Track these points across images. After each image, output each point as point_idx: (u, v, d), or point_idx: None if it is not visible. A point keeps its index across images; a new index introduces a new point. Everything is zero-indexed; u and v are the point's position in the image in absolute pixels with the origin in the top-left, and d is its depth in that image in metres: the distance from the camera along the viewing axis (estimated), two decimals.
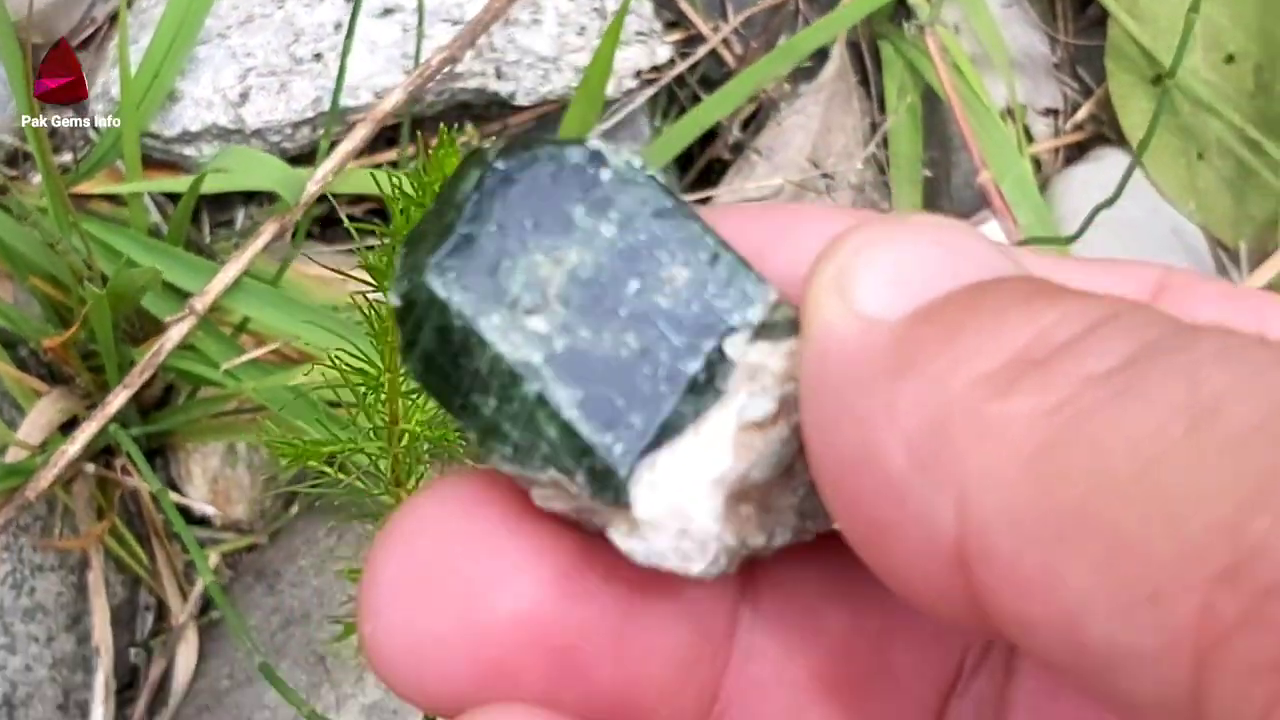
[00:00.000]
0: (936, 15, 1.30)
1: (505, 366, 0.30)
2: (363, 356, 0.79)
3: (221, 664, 1.23)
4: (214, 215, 1.32)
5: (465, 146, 1.28)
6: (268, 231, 1.15)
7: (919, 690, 0.34)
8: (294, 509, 1.29)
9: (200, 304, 1.12)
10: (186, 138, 1.24)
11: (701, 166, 1.36)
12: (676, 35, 1.36)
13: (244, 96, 1.24)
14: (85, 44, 1.31)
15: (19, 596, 1.18)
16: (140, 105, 1.20)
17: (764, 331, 0.31)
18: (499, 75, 1.27)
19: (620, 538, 0.30)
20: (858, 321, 0.28)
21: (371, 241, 1.17)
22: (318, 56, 1.25)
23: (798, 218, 0.34)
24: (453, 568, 0.31)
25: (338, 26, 1.25)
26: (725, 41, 1.36)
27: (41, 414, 1.16)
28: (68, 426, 1.17)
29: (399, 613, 0.31)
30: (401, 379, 0.79)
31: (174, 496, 1.20)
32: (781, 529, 0.32)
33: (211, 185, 1.18)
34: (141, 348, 1.14)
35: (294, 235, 1.22)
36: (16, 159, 1.25)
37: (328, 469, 0.88)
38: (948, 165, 1.35)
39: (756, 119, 1.36)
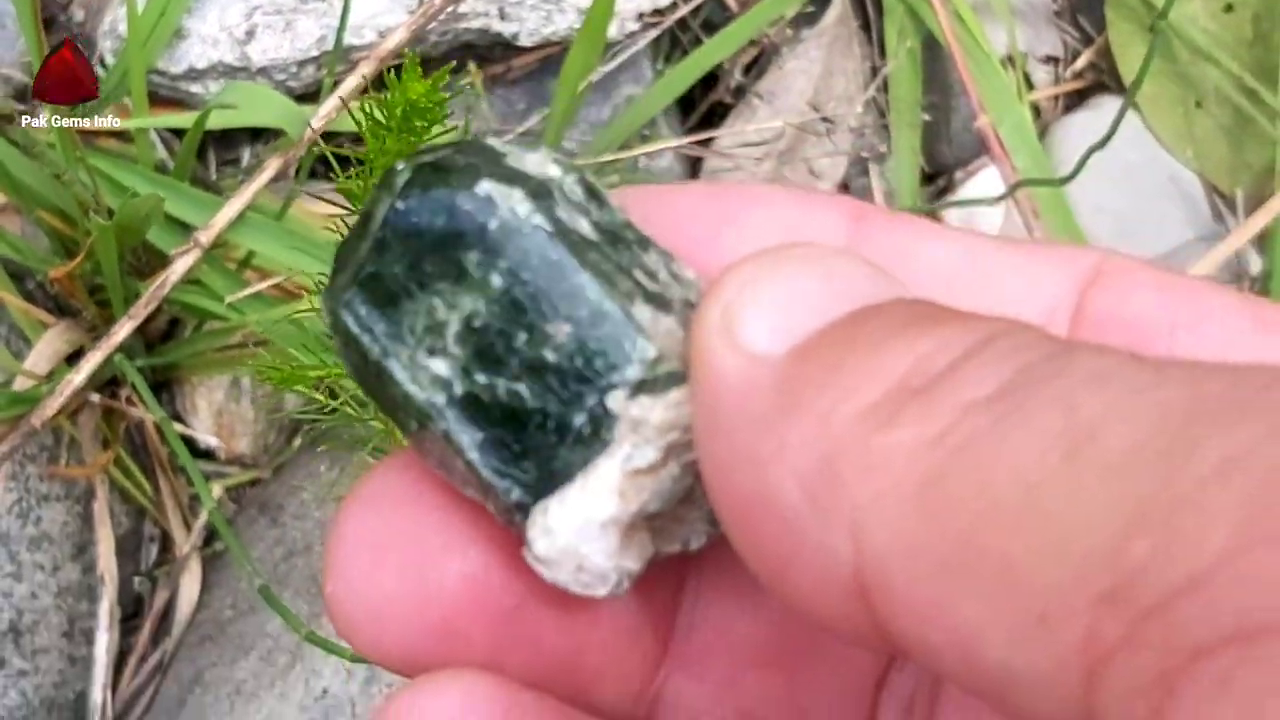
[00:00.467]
0: None
1: (415, 405, 0.32)
2: None
3: (224, 594, 1.25)
4: (220, 153, 1.33)
5: (468, 87, 1.29)
6: (271, 167, 1.16)
7: (858, 660, 0.36)
8: (297, 443, 1.30)
9: (205, 237, 1.13)
10: (193, 75, 1.25)
11: (704, 110, 1.37)
12: None
13: (250, 34, 1.26)
14: None
15: (25, 525, 1.20)
16: (147, 42, 1.21)
17: (644, 387, 0.31)
18: (502, 16, 1.28)
19: (530, 558, 0.32)
20: (744, 361, 0.28)
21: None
22: None
23: (745, 201, 0.35)
24: (407, 532, 0.33)
25: None
26: None
27: (48, 345, 1.18)
28: (74, 359, 1.19)
29: (357, 574, 0.33)
30: None
31: (179, 429, 1.22)
32: (696, 535, 0.34)
33: (217, 121, 1.20)
34: (147, 281, 1.16)
35: (297, 172, 1.24)
36: (25, 94, 1.26)
37: (316, 395, 0.90)
38: (947, 110, 1.36)
39: (758, 63, 1.37)
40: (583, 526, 0.32)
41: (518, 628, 0.34)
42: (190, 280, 1.17)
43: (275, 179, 1.21)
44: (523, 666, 0.34)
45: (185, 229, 1.16)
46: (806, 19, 1.37)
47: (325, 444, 1.22)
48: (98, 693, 1.22)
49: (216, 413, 1.27)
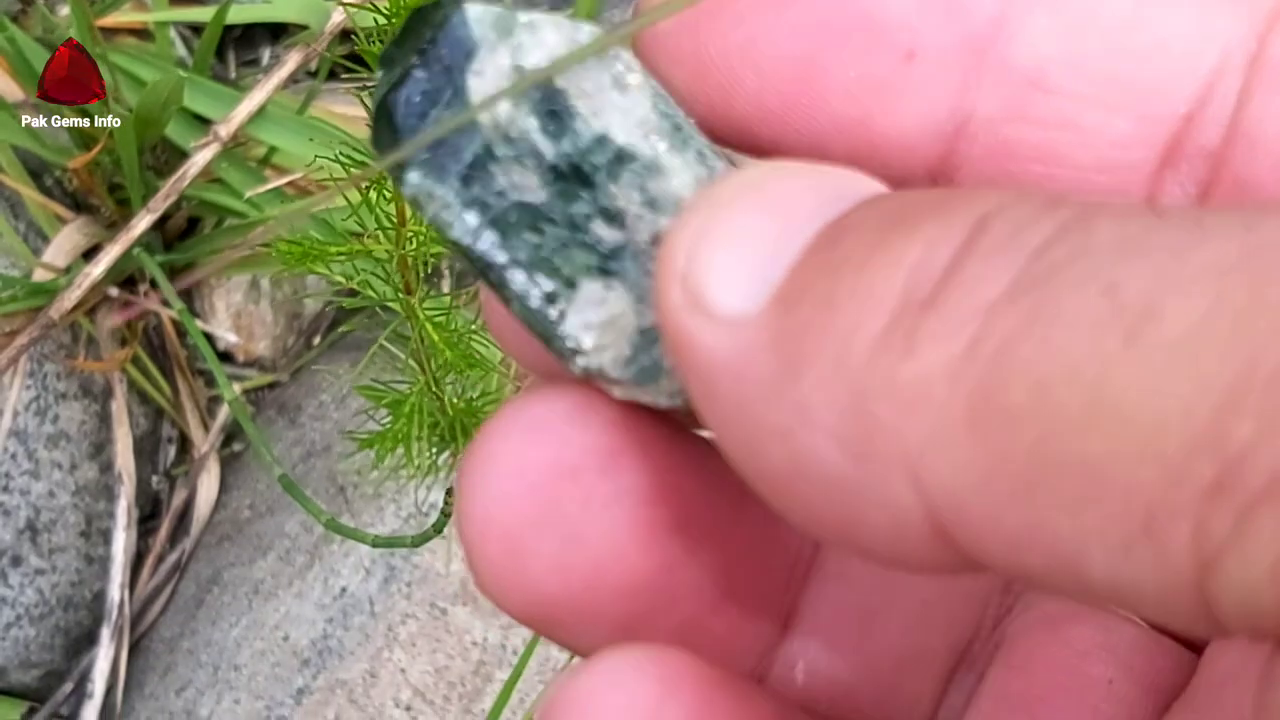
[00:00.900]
0: None
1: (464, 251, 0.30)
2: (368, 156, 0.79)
3: (243, 495, 1.25)
4: (240, 53, 1.32)
5: None
6: (292, 61, 1.15)
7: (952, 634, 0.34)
8: (315, 347, 1.29)
9: (224, 130, 1.12)
10: None
11: None
12: None
13: None
14: None
15: (43, 423, 1.19)
16: None
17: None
18: None
19: (584, 370, 0.30)
20: (726, 331, 0.25)
21: None
22: None
23: None
24: (557, 491, 0.30)
25: None
26: None
27: (66, 239, 1.17)
28: (91, 256, 1.18)
29: (499, 522, 0.30)
30: None
31: (198, 325, 1.21)
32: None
33: (238, 15, 1.18)
34: (165, 180, 1.15)
35: (317, 72, 1.22)
36: None
37: (337, 277, 0.89)
38: None
39: None
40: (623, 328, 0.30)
41: (664, 595, 0.31)
42: (210, 179, 1.16)
43: (296, 79, 1.19)
44: (662, 632, 0.32)
45: (204, 125, 1.15)
46: None
47: (354, 355, 1.21)
48: (115, 591, 1.21)
49: (235, 314, 1.26)
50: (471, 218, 0.29)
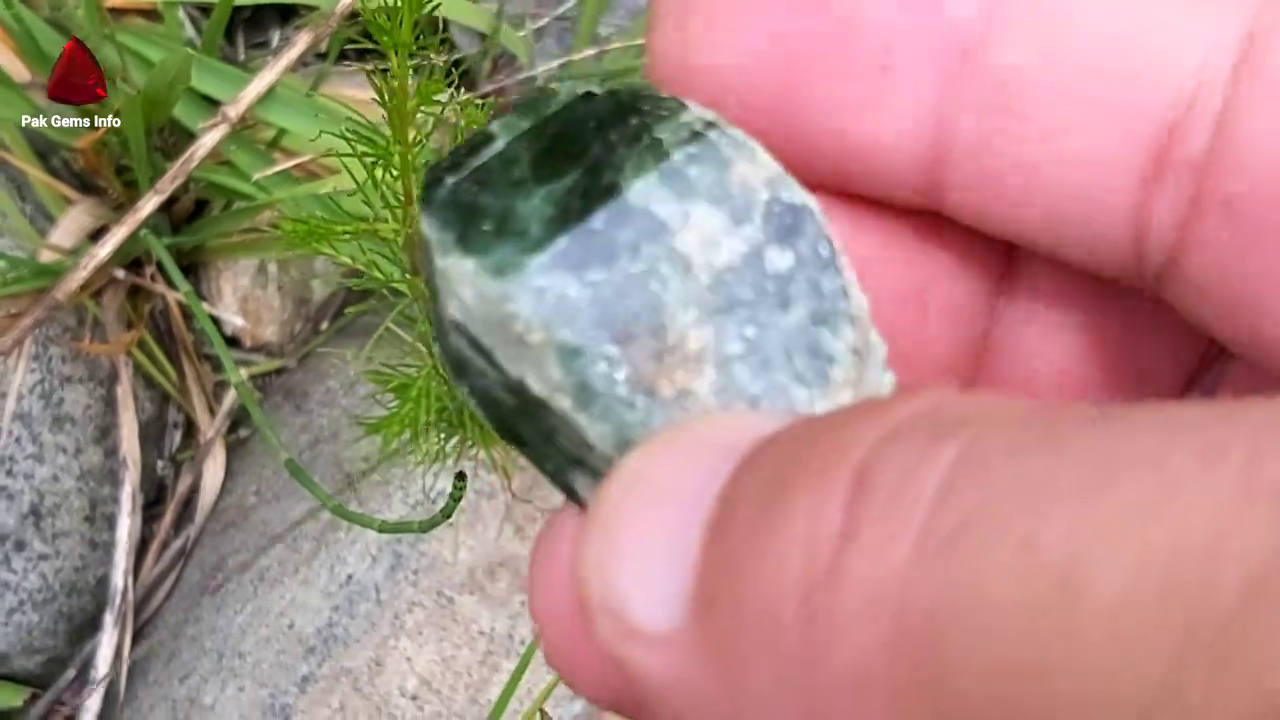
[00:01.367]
0: None
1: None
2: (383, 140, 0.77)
3: (248, 481, 1.23)
4: (249, 35, 1.30)
5: None
6: (302, 42, 1.13)
7: (1168, 382, 0.33)
8: (323, 332, 1.28)
9: (233, 111, 1.10)
10: None
11: None
12: None
13: None
14: None
15: (47, 406, 1.18)
16: None
17: None
18: None
19: None
20: (660, 650, 0.24)
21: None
22: None
23: None
24: None
25: None
26: None
27: (72, 221, 1.16)
28: (98, 236, 1.17)
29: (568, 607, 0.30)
30: (413, 154, 0.77)
31: (205, 308, 1.20)
32: None
33: None
34: (173, 161, 1.13)
35: (328, 52, 1.21)
36: None
37: (345, 259, 0.87)
38: None
39: None
40: None
41: None
42: (219, 161, 1.15)
43: (305, 61, 1.18)
44: None
45: (213, 106, 1.14)
46: None
47: (361, 341, 1.20)
48: (119, 577, 1.20)
49: (242, 299, 1.24)
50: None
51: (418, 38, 0.73)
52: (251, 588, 1.17)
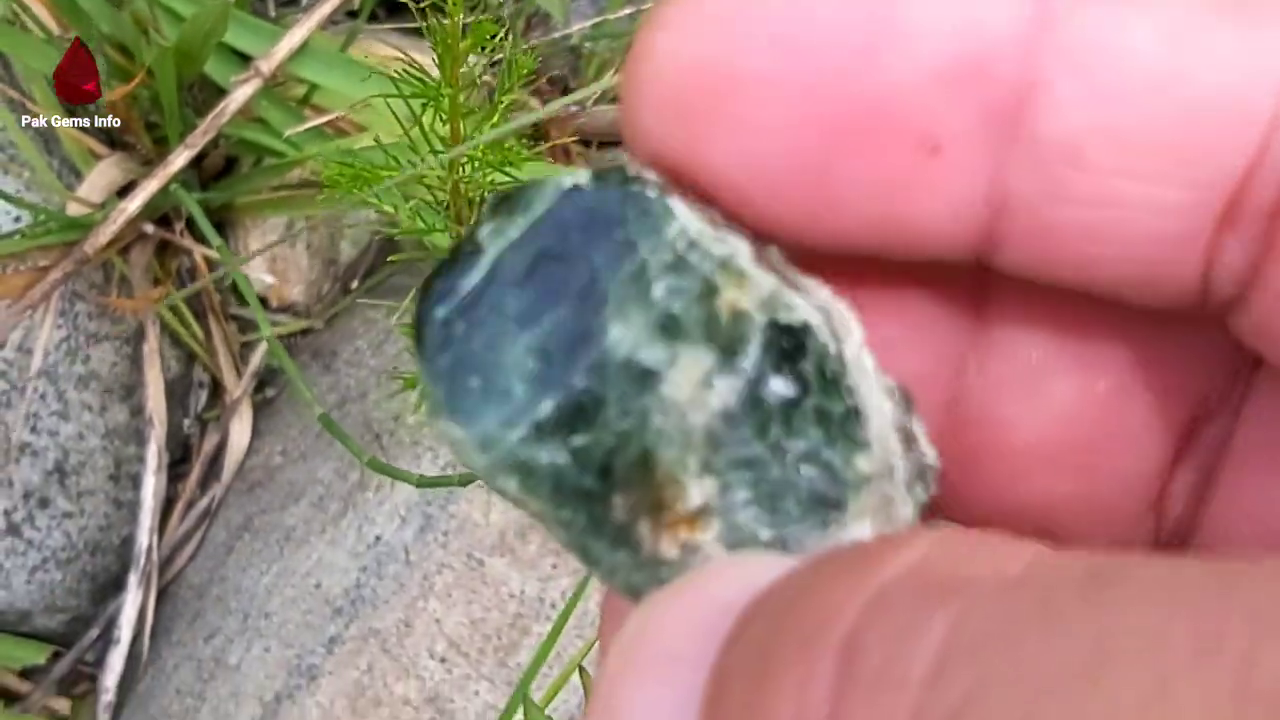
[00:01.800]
0: None
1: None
2: (428, 81, 0.76)
3: (275, 441, 1.22)
4: None
5: None
6: None
7: (1150, 446, 0.32)
8: (351, 293, 1.27)
9: (265, 65, 1.09)
10: None
11: None
12: None
13: None
14: None
15: (73, 364, 1.17)
16: None
17: None
18: None
19: None
20: None
21: None
22: None
23: None
24: None
25: None
26: None
27: (101, 175, 1.14)
28: (127, 192, 1.15)
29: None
30: (464, 96, 0.76)
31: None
32: None
33: None
34: (204, 117, 1.12)
35: (359, 10, 1.20)
36: None
37: (386, 209, 0.86)
38: None
39: None
40: None
41: None
42: (250, 118, 1.13)
43: (335, 20, 1.17)
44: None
45: (244, 62, 1.12)
46: None
47: (391, 300, 1.18)
48: (144, 537, 1.19)
49: (270, 259, 1.23)
50: None
51: None
52: (278, 548, 1.16)
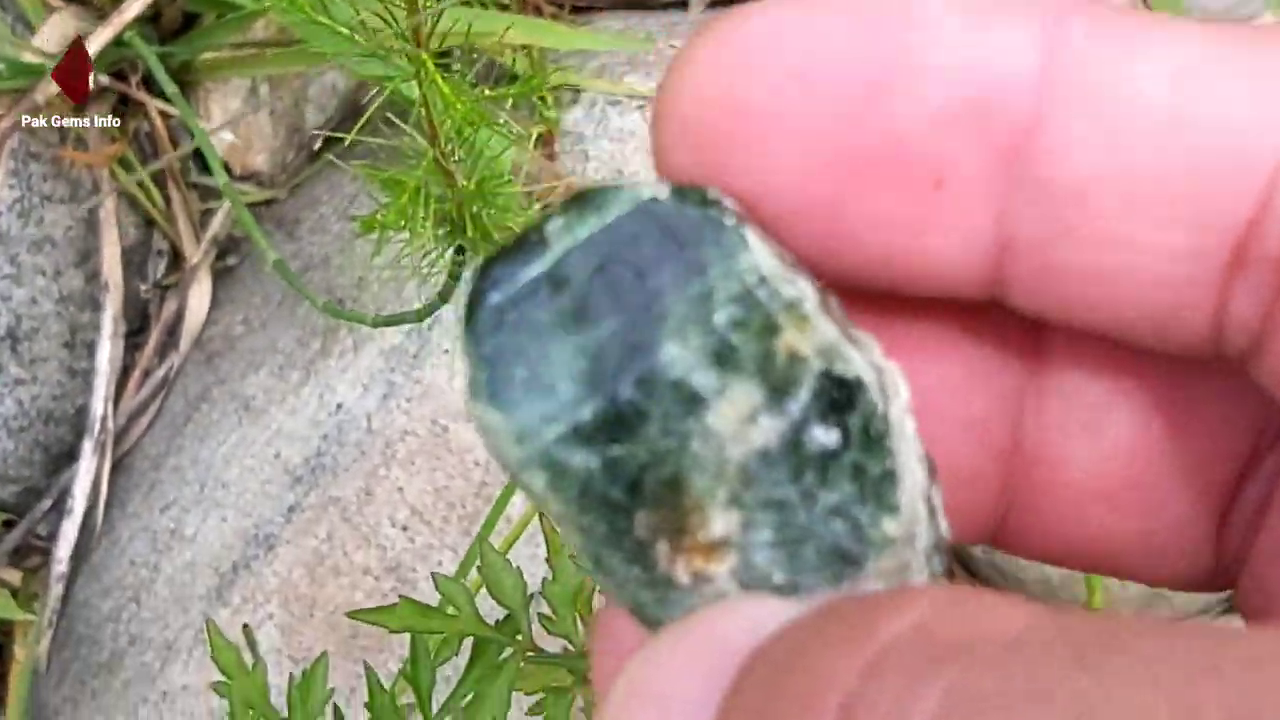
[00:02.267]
0: None
1: None
2: None
3: (235, 310, 1.18)
4: None
5: None
6: None
7: (1208, 482, 0.32)
8: (317, 159, 1.23)
9: None
10: None
11: None
12: None
13: None
14: None
15: (26, 225, 1.13)
16: None
17: None
18: None
19: None
20: None
21: None
22: None
23: (905, 28, 0.28)
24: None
25: None
26: None
27: (54, 27, 1.10)
28: None
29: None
30: None
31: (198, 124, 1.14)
32: None
33: None
34: None
35: None
36: None
37: (380, 74, 0.82)
38: None
39: None
40: None
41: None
42: None
43: None
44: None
45: None
46: None
47: (356, 165, 1.14)
48: (99, 405, 1.15)
49: (232, 123, 1.19)
50: None
51: None
52: (237, 418, 1.12)
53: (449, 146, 0.84)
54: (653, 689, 0.25)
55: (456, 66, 1.01)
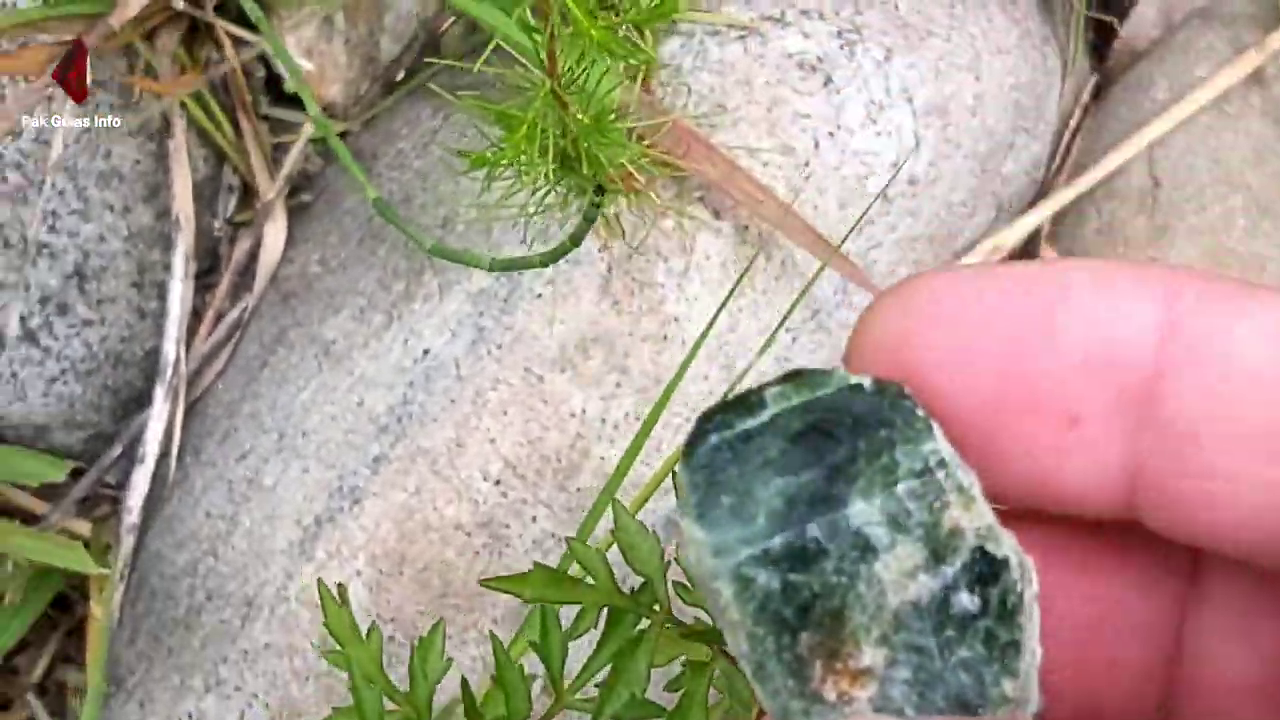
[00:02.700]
0: None
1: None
2: None
3: (312, 249, 1.13)
4: None
5: None
6: None
7: None
8: (395, 91, 1.17)
9: None
10: None
11: None
12: None
13: None
14: None
15: (94, 159, 1.07)
16: None
17: None
18: None
19: None
20: None
21: None
22: None
23: (1052, 295, 0.35)
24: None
25: None
26: None
27: None
28: None
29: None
30: None
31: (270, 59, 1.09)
32: None
33: None
34: None
35: None
36: None
37: None
38: None
39: None
40: None
41: None
42: None
43: None
44: None
45: None
46: None
47: (436, 100, 1.08)
48: (171, 348, 1.10)
49: (306, 52, 1.13)
50: None
51: None
52: (316, 363, 1.07)
53: (565, 78, 0.78)
54: None
55: None
